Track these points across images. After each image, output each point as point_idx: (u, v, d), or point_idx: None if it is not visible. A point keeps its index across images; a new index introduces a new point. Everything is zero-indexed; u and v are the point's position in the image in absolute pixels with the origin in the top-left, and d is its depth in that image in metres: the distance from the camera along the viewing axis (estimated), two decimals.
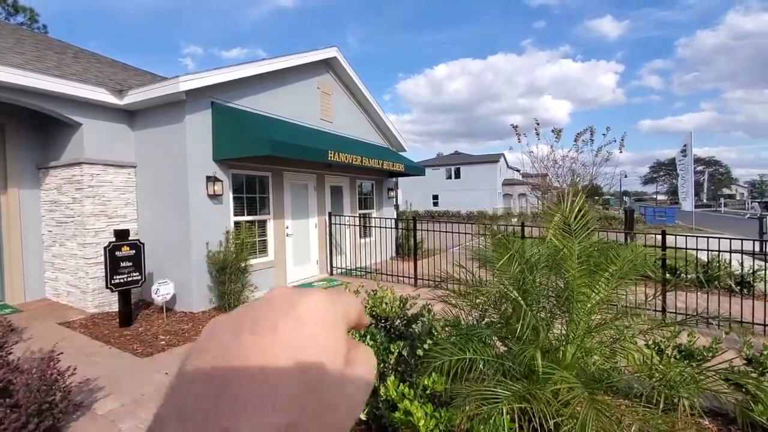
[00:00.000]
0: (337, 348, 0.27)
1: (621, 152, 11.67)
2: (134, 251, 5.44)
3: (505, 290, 2.67)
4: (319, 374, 0.25)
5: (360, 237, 10.10)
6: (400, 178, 11.89)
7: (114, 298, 5.76)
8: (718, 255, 6.20)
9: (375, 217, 10.42)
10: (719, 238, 5.86)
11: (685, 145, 19.61)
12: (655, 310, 5.41)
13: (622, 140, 11.46)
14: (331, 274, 8.94)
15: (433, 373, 2.51)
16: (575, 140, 11.53)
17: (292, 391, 0.23)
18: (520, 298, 2.57)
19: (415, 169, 10.65)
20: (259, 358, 0.24)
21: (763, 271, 6.82)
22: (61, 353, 3.34)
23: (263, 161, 7.02)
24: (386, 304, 3.75)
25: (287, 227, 7.89)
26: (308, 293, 0.29)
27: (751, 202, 48.74)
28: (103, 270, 5.29)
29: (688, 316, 3.22)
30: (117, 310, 5.51)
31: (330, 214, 8.97)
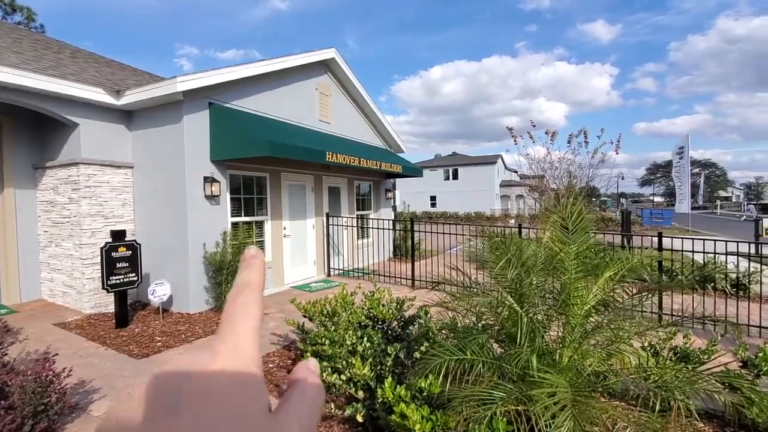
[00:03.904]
0: (253, 399, 0.26)
1: (617, 153, 11.72)
2: (131, 252, 5.43)
3: (502, 297, 2.68)
4: None
5: (358, 238, 10.10)
6: (397, 179, 11.90)
7: (110, 299, 5.73)
8: (714, 257, 6.23)
9: (373, 218, 10.43)
10: (715, 240, 5.90)
11: (681, 148, 19.73)
12: (652, 312, 5.43)
13: (618, 141, 11.51)
14: (329, 275, 8.94)
15: (430, 375, 2.51)
16: (568, 142, 11.57)
17: None
18: (515, 303, 2.58)
19: (412, 170, 10.66)
20: None
21: (759, 274, 6.87)
22: (57, 354, 3.33)
23: (261, 162, 7.01)
24: (383, 305, 3.75)
25: (285, 228, 7.88)
26: (198, 362, 0.27)
27: (747, 205, 48.99)
28: (100, 271, 5.27)
29: (684, 318, 3.24)
30: (113, 311, 5.49)
31: (328, 215, 8.96)
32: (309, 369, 0.32)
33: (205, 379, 0.26)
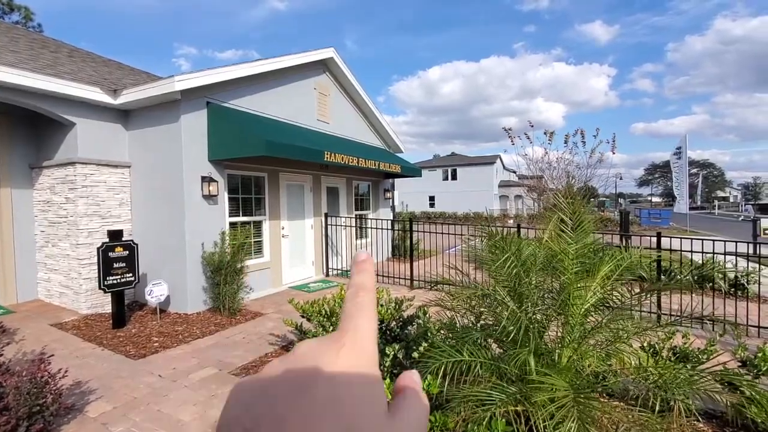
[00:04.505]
0: (374, 396, 0.27)
1: (614, 153, 11.72)
2: (128, 252, 5.40)
3: (499, 295, 2.66)
4: None
5: (356, 238, 10.08)
6: (396, 179, 11.88)
7: (107, 299, 5.71)
8: (713, 257, 6.23)
9: (371, 218, 10.41)
10: (713, 240, 5.89)
11: (678, 148, 19.79)
12: (650, 312, 5.42)
13: (613, 141, 11.51)
14: (327, 275, 8.91)
15: (428, 376, 2.50)
16: (565, 141, 11.56)
17: None
18: (512, 302, 2.56)
19: (411, 170, 10.64)
20: (292, 424, 0.24)
21: (757, 273, 6.87)
22: (53, 355, 3.31)
23: (259, 161, 6.99)
24: (382, 305, 3.73)
25: (283, 228, 7.86)
26: (328, 351, 0.28)
27: (745, 205, 49.13)
28: (96, 271, 5.24)
29: (683, 318, 3.23)
30: (110, 311, 5.46)
31: (326, 215, 8.94)
32: (414, 380, 0.33)
33: (335, 371, 0.27)
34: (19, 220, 6.44)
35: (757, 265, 6.71)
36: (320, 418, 0.24)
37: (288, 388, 0.25)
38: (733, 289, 6.90)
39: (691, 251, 5.80)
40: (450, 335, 3.01)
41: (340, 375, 0.26)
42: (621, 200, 58.95)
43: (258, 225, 7.41)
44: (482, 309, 2.97)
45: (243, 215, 7.07)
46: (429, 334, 3.25)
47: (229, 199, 6.73)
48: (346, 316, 0.31)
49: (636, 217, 26.51)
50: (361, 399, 0.26)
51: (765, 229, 13.14)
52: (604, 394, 3.02)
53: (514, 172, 37.04)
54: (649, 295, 2.97)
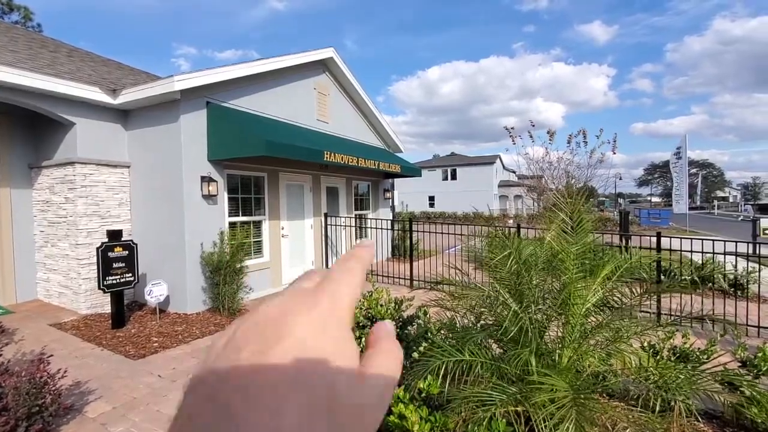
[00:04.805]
0: (345, 353, 0.26)
1: (614, 153, 11.77)
2: (127, 252, 5.39)
3: (502, 296, 2.66)
4: (328, 391, 0.24)
5: (356, 238, 10.08)
6: (396, 179, 11.88)
7: (107, 299, 5.70)
8: (713, 257, 6.23)
9: (371, 218, 10.40)
10: (713, 240, 5.89)
11: (678, 148, 19.80)
12: (650, 312, 5.42)
13: (614, 141, 11.55)
14: None
15: (429, 376, 2.49)
16: (568, 142, 11.60)
17: (296, 419, 0.22)
18: (513, 300, 2.56)
19: (411, 170, 10.64)
20: (260, 378, 0.23)
21: (756, 273, 6.87)
22: (52, 355, 3.30)
23: (259, 161, 6.98)
24: (381, 305, 3.72)
25: (282, 228, 7.85)
26: (301, 307, 0.27)
27: (744, 205, 49.15)
28: (96, 271, 5.23)
29: (683, 317, 3.23)
30: (110, 311, 5.45)
31: (326, 215, 8.94)
32: (387, 330, 0.33)
33: (307, 332, 0.26)
34: (18, 220, 6.43)
35: (757, 265, 6.72)
36: (292, 382, 0.23)
37: (255, 351, 0.25)
38: (733, 289, 6.90)
39: (691, 251, 5.80)
40: (450, 335, 3.01)
41: (312, 336, 0.26)
42: (620, 200, 58.93)
43: (257, 225, 7.40)
44: (482, 309, 2.96)
45: (242, 215, 7.06)
46: (429, 334, 3.25)
47: (229, 199, 6.72)
48: (328, 276, 0.31)
49: (636, 217, 26.51)
50: (333, 356, 0.25)
51: (765, 229, 13.13)
52: (605, 395, 3.02)
53: (514, 172, 37.04)
54: (649, 296, 2.97)
